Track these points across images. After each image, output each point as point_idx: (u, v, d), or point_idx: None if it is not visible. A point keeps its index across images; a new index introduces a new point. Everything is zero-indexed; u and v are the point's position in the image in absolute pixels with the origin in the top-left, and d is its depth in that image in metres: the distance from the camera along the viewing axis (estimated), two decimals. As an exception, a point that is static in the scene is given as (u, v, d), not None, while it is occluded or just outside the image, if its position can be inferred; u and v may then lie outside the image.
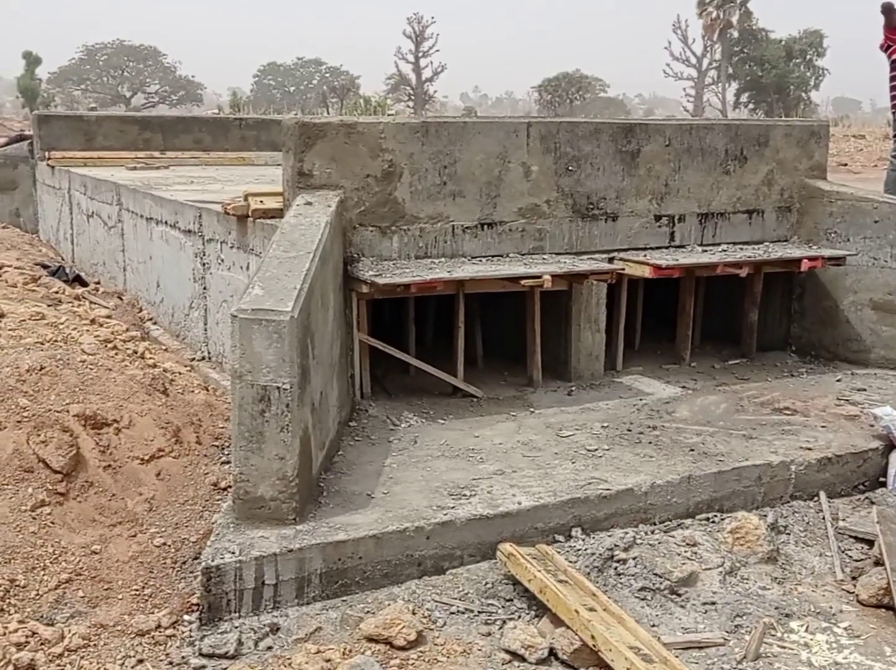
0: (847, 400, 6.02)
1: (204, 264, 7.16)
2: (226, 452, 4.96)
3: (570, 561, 4.19)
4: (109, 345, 5.67)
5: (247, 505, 4.13)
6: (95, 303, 7.85)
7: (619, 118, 8.04)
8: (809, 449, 5.16)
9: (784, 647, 3.81)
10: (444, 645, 3.71)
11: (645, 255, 6.48)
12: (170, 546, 4.23)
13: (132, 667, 3.55)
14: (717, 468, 4.87)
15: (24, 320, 5.83)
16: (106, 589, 3.93)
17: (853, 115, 62.29)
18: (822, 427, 5.52)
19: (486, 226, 6.23)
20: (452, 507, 4.33)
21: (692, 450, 5.12)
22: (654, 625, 3.91)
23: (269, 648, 3.67)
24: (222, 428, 5.22)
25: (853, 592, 4.27)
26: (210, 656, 3.61)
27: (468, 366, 6.31)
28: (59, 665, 3.51)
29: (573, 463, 4.94)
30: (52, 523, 4.16)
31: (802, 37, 58.58)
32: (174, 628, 3.76)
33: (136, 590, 3.96)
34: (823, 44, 58.53)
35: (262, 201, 6.19)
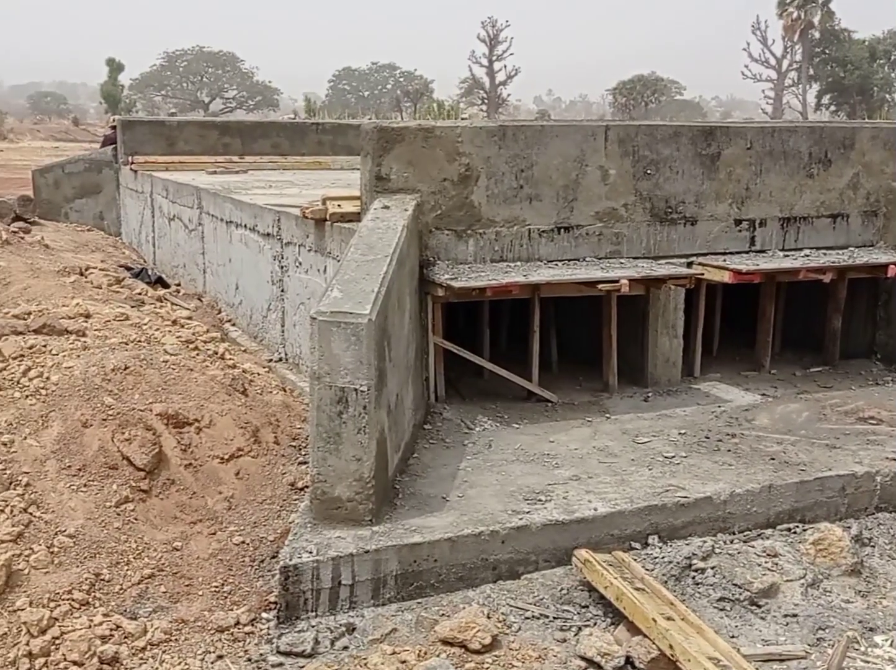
0: (935, 410, 5.83)
1: (282, 267, 7.26)
2: (303, 453, 5.02)
3: (647, 569, 4.14)
4: (191, 346, 5.79)
5: (324, 505, 4.18)
6: (177, 305, 8.03)
7: (698, 121, 7.92)
8: (895, 460, 5.02)
9: (868, 662, 3.71)
10: (520, 649, 3.69)
11: (724, 260, 6.37)
12: (248, 544, 4.30)
13: (212, 663, 3.61)
14: (799, 478, 4.76)
15: (109, 321, 5.99)
16: (187, 586, 4.01)
17: (940, 117, 60.30)
18: (909, 437, 5.36)
19: (562, 230, 6.19)
20: (528, 512, 4.32)
21: (773, 459, 5.01)
22: (733, 637, 3.84)
23: (345, 648, 3.71)
24: (299, 428, 5.28)
25: (942, 608, 4.13)
26: (287, 654, 3.66)
27: (543, 370, 6.28)
28: (141, 658, 3.59)
29: (650, 469, 4.88)
30: (136, 519, 4.26)
31: (887, 37, 57.03)
32: (252, 625, 3.82)
33: (216, 587, 4.03)
34: (909, 43, 56.90)
35: (339, 205, 6.26)
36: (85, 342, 5.37)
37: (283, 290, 7.29)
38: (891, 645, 3.83)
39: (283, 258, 7.24)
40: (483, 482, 4.70)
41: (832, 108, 58.58)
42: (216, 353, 5.81)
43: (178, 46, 76.55)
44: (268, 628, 3.81)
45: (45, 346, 5.22)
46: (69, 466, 4.37)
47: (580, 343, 6.91)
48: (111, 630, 3.66)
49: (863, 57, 55.98)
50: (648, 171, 6.34)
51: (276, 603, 3.88)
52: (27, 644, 3.58)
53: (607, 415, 5.86)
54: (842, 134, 6.92)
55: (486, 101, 64.29)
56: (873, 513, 4.83)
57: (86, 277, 7.83)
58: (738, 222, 6.66)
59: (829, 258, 6.60)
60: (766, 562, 4.29)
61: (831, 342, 7.02)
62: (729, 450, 5.16)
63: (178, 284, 10.00)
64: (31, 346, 5.20)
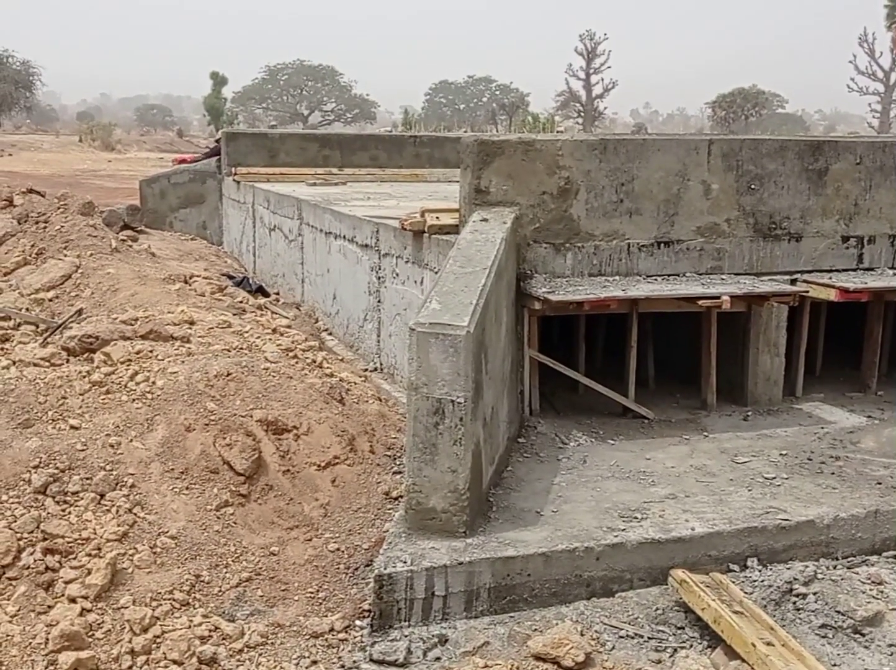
0: None
1: (379, 278, 7.35)
2: (398, 462, 5.06)
3: (746, 592, 4.04)
4: (290, 354, 5.90)
5: (418, 515, 4.20)
6: (276, 314, 8.19)
7: (805, 135, 7.74)
8: None
9: (981, 701, 3.54)
10: (613, 668, 3.65)
11: (830, 278, 6.20)
12: (343, 551, 4.35)
13: (307, 668, 3.66)
14: (908, 504, 4.59)
15: (212, 328, 6.15)
16: (283, 590, 4.08)
17: None
18: None
19: (662, 245, 6.12)
20: (623, 529, 4.26)
21: (879, 484, 4.84)
22: (835, 665, 3.71)
23: (438, 659, 3.72)
24: (394, 438, 5.33)
25: None
26: (380, 662, 3.68)
27: (639, 386, 6.20)
28: (239, 660, 3.67)
29: (749, 490, 4.77)
30: (235, 523, 4.36)
31: None
32: (346, 632, 3.86)
33: (311, 593, 4.09)
34: None
35: (437, 217, 6.31)
36: (189, 348, 5.53)
37: (379, 301, 7.38)
38: None
39: (380, 269, 7.33)
40: (577, 497, 4.67)
41: (943, 121, 56.48)
42: (314, 362, 5.91)
43: (279, 60, 78.22)
44: (361, 635, 3.85)
45: (151, 352, 5.39)
46: (172, 469, 4.49)
47: (678, 360, 6.80)
48: (210, 631, 3.75)
49: (977, 69, 53.84)
50: (752, 186, 6.21)
51: (369, 611, 3.92)
52: (130, 641, 3.69)
53: (705, 434, 5.75)
54: (957, 148, 6.66)
55: (581, 113, 63.95)
56: None
57: (190, 285, 8.06)
58: (845, 239, 6.47)
59: (942, 277, 6.36)
60: (870, 590, 4.14)
61: (943, 364, 6.75)
62: (833, 473, 5.01)
63: (278, 293, 10.21)
64: (138, 352, 5.38)
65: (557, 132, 31.13)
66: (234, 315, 7.01)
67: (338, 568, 4.25)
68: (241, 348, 5.72)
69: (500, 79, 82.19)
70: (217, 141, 15.09)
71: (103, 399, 4.93)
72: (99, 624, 3.74)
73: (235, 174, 13.32)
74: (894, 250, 6.59)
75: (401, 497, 4.63)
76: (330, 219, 8.60)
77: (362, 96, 76.93)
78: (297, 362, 5.74)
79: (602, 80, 63.79)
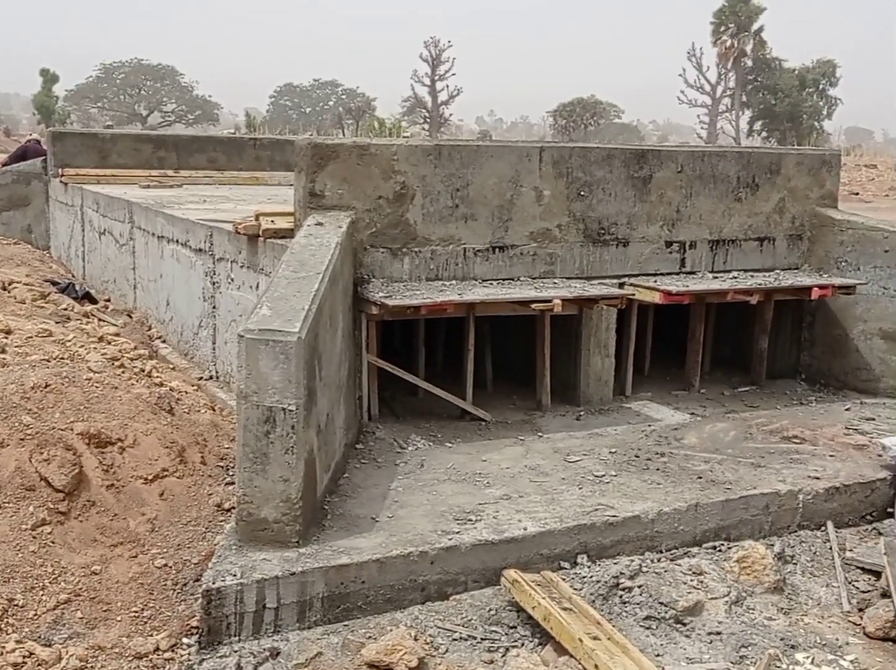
0: (856, 429, 5.96)
1: (214, 283, 7.17)
2: (230, 473, 4.94)
3: (576, 589, 4.14)
4: (116, 364, 5.67)
5: (250, 526, 4.10)
6: (104, 321, 7.86)
7: (631, 144, 8.04)
8: (817, 478, 5.11)
9: (790, 681, 3.75)
10: (446, 672, 3.66)
11: (655, 281, 6.46)
12: (171, 567, 4.20)
13: (130, 690, 3.51)
14: (725, 496, 4.82)
15: (31, 337, 5.84)
16: (105, 611, 3.90)
17: (865, 145, 62.12)
18: (831, 456, 5.47)
19: (497, 250, 6.22)
20: (457, 532, 4.29)
21: (700, 478, 5.07)
22: (658, 655, 3.85)
23: (269, 672, 3.63)
24: (228, 448, 5.20)
25: (860, 624, 4.21)
26: (209, 680, 3.57)
27: (477, 389, 6.28)
28: (56, 686, 3.47)
29: (580, 488, 4.90)
30: (53, 542, 4.14)
31: (815, 66, 58.60)
32: (173, 651, 3.73)
33: (136, 612, 3.93)
34: (836, 73, 58.58)
35: (273, 221, 6.20)
36: (4, 359, 5.22)
37: (214, 307, 7.19)
38: (811, 662, 3.88)
39: (215, 274, 7.15)
40: (413, 502, 4.67)
41: (763, 134, 60.05)
42: (143, 371, 5.70)
43: (116, 58, 75.43)
44: (188, 654, 3.72)
45: (-37, 363, 5.07)
46: (-16, 487, 4.22)
47: (515, 362, 6.94)
48: (24, 657, 3.54)
49: (793, 85, 57.50)
50: (582, 193, 6.40)
51: (197, 627, 3.79)
52: (-64, 672, 3.44)
53: (540, 434, 5.88)
54: (768, 159, 7.07)
55: (428, 120, 64.53)
56: (796, 531, 4.90)
57: (9, 292, 7.63)
58: (668, 244, 6.76)
59: (756, 280, 6.73)
60: (691, 581, 4.32)
61: (758, 362, 7.15)
62: (658, 469, 5.21)
63: (108, 300, 9.81)
64: (-52, 363, 5.05)
65: (404, 137, 31.25)
66: (57, 323, 6.68)
67: (165, 585, 4.10)
68: (63, 358, 5.45)
69: (347, 83, 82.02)
70: (29, 141, 14.32)
71: None
72: None
73: (63, 175, 12.70)
74: (713, 255, 6.93)
75: (233, 508, 4.51)
76: (162, 222, 8.33)
77: (204, 97, 75.09)
78: (123, 372, 5.52)
79: (447, 86, 64.62)
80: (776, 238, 7.16)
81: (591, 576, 4.26)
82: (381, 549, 4.10)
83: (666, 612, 4.09)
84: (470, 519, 4.44)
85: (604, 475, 5.10)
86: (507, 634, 3.94)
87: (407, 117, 64.57)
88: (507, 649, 3.83)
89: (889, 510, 5.13)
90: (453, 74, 64.27)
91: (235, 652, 3.71)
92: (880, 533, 4.92)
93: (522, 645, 3.88)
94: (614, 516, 4.54)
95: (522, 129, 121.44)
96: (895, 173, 29.43)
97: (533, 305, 5.76)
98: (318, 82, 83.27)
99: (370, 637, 3.83)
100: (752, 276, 6.87)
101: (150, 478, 4.62)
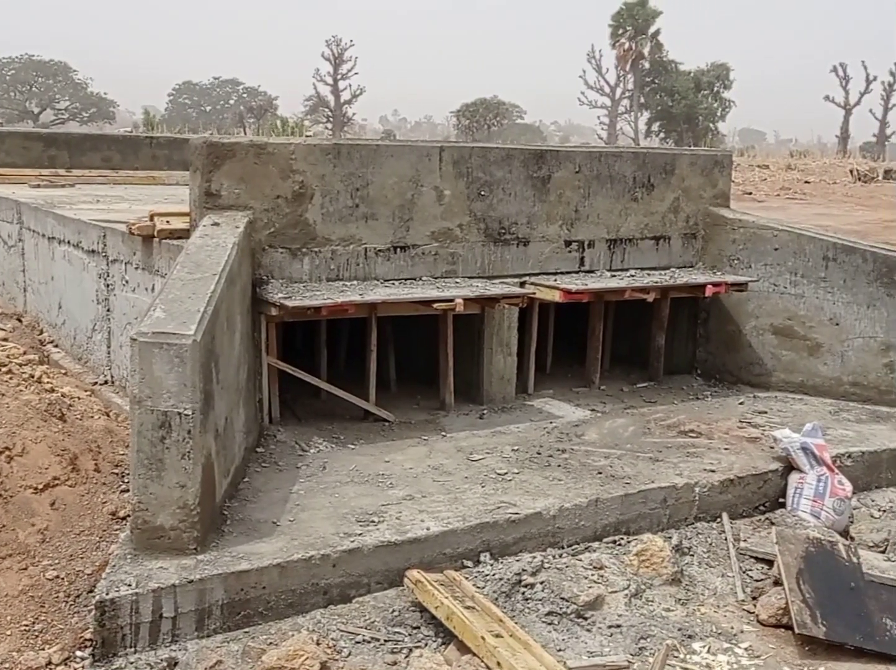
0: (749, 422, 6.15)
1: (108, 285, 6.97)
2: (126, 480, 4.80)
3: (478, 587, 4.16)
4: (4, 369, 5.46)
5: (145, 534, 4.00)
6: (-8, 325, 7.57)
7: (530, 144, 8.13)
8: (713, 471, 5.25)
9: (686, 669, 3.84)
10: (349, 675, 3.63)
11: (555, 280, 6.54)
12: (63, 579, 4.07)
13: (19, 708, 3.38)
14: (624, 491, 4.90)
15: (-88, 343, 5.58)
16: (-7, 626, 3.75)
17: (758, 146, 64.28)
18: (725, 449, 5.63)
19: (398, 250, 6.20)
20: (360, 534, 4.26)
21: (600, 473, 5.15)
22: (560, 650, 3.90)
23: (167, 684, 3.54)
24: (123, 455, 5.06)
25: (754, 612, 4.34)
26: (103, 693, 3.46)
27: (381, 389, 6.25)
28: (-61, 707, 3.32)
29: (483, 487, 4.92)
30: (-64, 557, 3.96)
31: (710, 69, 60.43)
32: (66, 665, 3.61)
33: (26, 626, 3.78)
34: (730, 76, 60.49)
35: (168, 221, 6.07)
36: None
37: (109, 310, 6.99)
38: (708, 651, 3.98)
39: (108, 276, 6.95)
40: (315, 505, 4.62)
41: (661, 135, 61.56)
42: (32, 376, 5.50)
43: (4, 54, 72.80)
44: (82, 667, 3.60)
45: None
46: None
47: (418, 362, 6.94)
48: None
49: (689, 87, 59.13)
50: (482, 193, 6.44)
51: (91, 640, 3.67)
52: None
53: (443, 434, 5.89)
54: (663, 160, 7.24)
55: (331, 119, 64.12)
56: (692, 523, 5.03)
57: None
58: (567, 243, 6.85)
59: (653, 278, 6.88)
60: (592, 575, 4.38)
61: (656, 359, 7.31)
62: (559, 466, 5.27)
63: (-4, 303, 9.45)
64: None
65: (305, 136, 30.95)
66: (-60, 328, 6.40)
67: (57, 597, 3.96)
68: (-54, 365, 5.22)
69: (248, 81, 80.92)
70: None
71: None
72: None
73: (-54, 174, 12.19)
74: (612, 254, 7.05)
75: (128, 516, 4.38)
76: (53, 223, 8.06)
77: (99, 95, 73.06)
78: (11, 378, 5.32)
79: (350, 86, 64.35)
80: (671, 237, 7.33)
81: (493, 574, 4.28)
82: (281, 554, 4.04)
83: (567, 607, 4.14)
84: (373, 521, 4.42)
85: (506, 473, 5.13)
86: (410, 635, 3.94)
87: (310, 116, 64.08)
88: (411, 650, 3.82)
89: (780, 500, 5.30)
90: (356, 74, 64.13)
91: (131, 663, 3.61)
92: (772, 523, 5.08)
93: (426, 645, 3.87)
94: (516, 513, 4.58)
95: (426, 129, 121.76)
96: (786, 173, 30.50)
97: (435, 305, 5.77)
98: (218, 80, 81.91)
99: (271, 643, 3.78)
100: (648, 275, 7.02)
101: (40, 487, 4.46)
